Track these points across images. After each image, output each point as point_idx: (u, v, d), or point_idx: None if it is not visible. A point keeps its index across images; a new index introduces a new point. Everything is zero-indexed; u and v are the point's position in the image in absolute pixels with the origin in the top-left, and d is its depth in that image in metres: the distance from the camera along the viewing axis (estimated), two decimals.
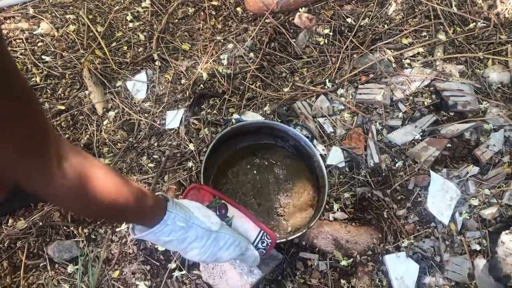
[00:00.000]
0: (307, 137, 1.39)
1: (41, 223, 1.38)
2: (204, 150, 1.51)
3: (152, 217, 0.88)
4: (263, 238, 1.11)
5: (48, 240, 1.37)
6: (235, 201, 1.17)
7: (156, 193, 0.94)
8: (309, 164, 1.43)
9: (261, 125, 1.45)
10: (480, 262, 1.32)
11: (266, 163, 1.46)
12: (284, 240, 1.23)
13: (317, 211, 1.31)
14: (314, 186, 1.42)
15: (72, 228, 1.38)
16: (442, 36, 1.76)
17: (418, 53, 1.75)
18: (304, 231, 1.26)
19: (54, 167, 0.64)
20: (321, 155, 1.38)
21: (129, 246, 1.36)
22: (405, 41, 1.77)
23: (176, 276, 1.30)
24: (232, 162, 1.45)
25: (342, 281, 1.31)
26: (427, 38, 1.79)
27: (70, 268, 1.32)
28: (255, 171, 1.44)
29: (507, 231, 1.29)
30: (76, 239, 1.37)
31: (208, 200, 1.13)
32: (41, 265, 1.34)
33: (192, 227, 0.93)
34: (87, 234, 1.38)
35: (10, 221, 1.39)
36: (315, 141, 1.53)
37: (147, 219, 0.88)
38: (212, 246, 0.96)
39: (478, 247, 1.34)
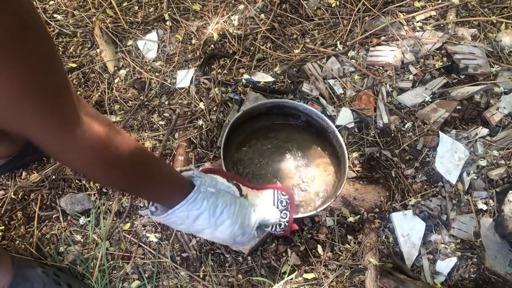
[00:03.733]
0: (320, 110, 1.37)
1: (53, 176, 1.41)
2: (214, 109, 1.52)
3: (182, 189, 0.83)
4: (279, 197, 1.08)
5: (60, 193, 1.40)
6: (247, 180, 1.13)
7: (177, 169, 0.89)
8: (325, 137, 1.39)
9: (271, 105, 1.40)
10: (486, 220, 1.33)
11: (282, 142, 1.43)
12: (314, 212, 1.23)
13: (341, 181, 1.28)
14: (332, 156, 1.40)
15: (84, 182, 1.41)
16: (455, 0, 1.74)
17: (431, 16, 1.73)
18: (332, 200, 1.23)
19: (75, 119, 0.60)
20: (330, 116, 1.38)
21: (140, 200, 1.38)
22: (417, 4, 1.76)
23: None
24: (248, 146, 1.42)
25: (349, 237, 1.33)
26: (439, 1, 1.77)
27: (82, 220, 1.34)
28: (272, 152, 1.41)
29: None
30: (88, 193, 1.39)
31: None
32: (54, 216, 1.37)
33: (220, 193, 0.89)
34: (98, 188, 1.40)
35: (24, 174, 1.42)
36: (324, 101, 1.54)
37: (176, 192, 0.83)
38: (240, 214, 0.91)
39: (484, 207, 1.36)
